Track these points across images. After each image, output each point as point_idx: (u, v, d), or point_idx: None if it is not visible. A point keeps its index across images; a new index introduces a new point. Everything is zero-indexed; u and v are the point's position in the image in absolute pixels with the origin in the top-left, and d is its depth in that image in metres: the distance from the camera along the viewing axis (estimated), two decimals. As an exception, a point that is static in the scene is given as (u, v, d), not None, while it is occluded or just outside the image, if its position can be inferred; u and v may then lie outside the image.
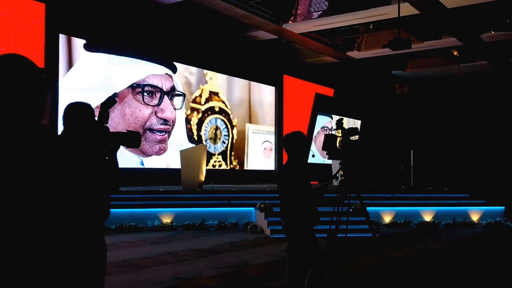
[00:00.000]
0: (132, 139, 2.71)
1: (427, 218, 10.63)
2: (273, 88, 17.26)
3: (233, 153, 15.61)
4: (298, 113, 17.87)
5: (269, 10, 13.07)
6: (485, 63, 17.52)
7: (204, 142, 14.30)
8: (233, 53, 15.17)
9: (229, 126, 15.51)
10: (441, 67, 18.47)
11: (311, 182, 3.95)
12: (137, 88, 12.46)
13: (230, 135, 15.55)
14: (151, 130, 12.74)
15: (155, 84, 12.94)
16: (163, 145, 13.07)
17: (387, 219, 10.42)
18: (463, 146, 19.61)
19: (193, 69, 14.38)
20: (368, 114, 20.27)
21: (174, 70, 13.63)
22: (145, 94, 12.61)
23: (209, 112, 14.80)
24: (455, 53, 16.67)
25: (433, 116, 20.40)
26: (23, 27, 10.30)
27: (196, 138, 14.23)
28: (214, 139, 14.94)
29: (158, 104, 12.95)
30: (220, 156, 15.14)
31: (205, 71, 14.78)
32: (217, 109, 15.10)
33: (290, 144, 3.86)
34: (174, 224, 9.26)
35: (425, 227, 10.29)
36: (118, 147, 2.66)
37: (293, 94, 17.71)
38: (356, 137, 4.93)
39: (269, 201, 9.45)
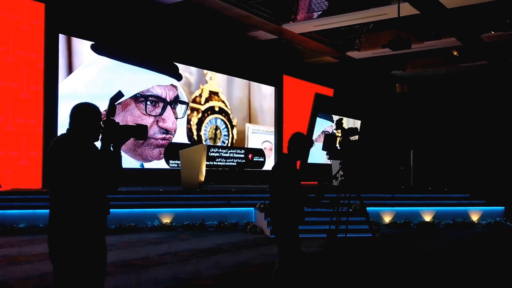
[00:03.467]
0: (140, 132, 2.84)
1: (427, 218, 10.62)
2: (273, 88, 17.26)
3: (233, 153, 15.61)
4: (298, 113, 17.87)
5: (269, 10, 13.08)
6: (485, 63, 17.51)
7: (204, 142, 14.30)
8: (233, 53, 15.17)
9: (229, 126, 15.51)
10: (441, 67, 18.46)
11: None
12: (141, 98, 12.49)
13: (230, 135, 15.54)
14: (152, 139, 12.80)
15: (159, 94, 12.97)
16: (163, 149, 13.12)
17: (387, 219, 10.41)
18: (463, 146, 19.60)
19: (193, 69, 14.38)
20: (368, 114, 20.27)
21: (179, 78, 13.66)
22: (148, 103, 12.63)
23: (209, 112, 14.80)
24: (455, 53, 16.67)
25: (433, 116, 20.39)
26: (22, 27, 10.30)
27: (196, 138, 14.23)
28: (214, 139, 14.93)
29: (160, 114, 12.97)
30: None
31: (205, 71, 14.77)
32: (217, 109, 15.10)
33: (289, 143, 3.97)
34: (173, 224, 9.25)
35: (425, 227, 10.27)
36: (127, 139, 2.78)
37: (293, 94, 17.70)
38: (356, 137, 4.93)
39: (269, 201, 9.42)
